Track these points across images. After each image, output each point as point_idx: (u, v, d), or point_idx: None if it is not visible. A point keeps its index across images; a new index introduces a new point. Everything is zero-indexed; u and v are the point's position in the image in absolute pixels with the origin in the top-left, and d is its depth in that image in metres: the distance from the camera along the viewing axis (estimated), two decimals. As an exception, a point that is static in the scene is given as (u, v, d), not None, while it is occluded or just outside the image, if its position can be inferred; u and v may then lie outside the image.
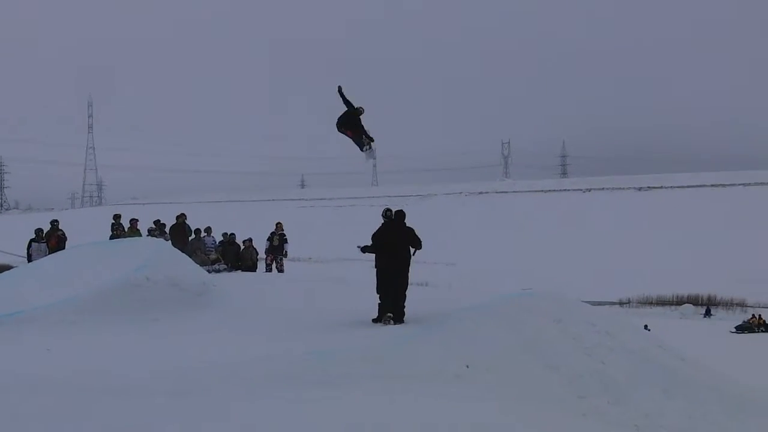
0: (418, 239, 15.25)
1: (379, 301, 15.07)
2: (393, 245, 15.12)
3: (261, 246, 26.10)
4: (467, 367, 12.04)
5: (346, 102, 16.73)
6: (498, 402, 10.70)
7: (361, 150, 17.27)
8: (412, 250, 15.26)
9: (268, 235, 26.33)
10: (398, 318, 14.83)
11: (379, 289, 15.13)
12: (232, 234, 25.84)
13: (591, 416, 11.43)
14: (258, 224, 35.25)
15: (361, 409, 9.41)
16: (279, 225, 26.59)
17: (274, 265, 26.14)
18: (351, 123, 16.89)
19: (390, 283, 15.02)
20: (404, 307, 14.97)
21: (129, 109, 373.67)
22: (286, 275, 25.71)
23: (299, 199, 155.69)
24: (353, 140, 17.12)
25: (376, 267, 15.37)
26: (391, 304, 14.87)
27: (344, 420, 8.86)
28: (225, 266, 24.09)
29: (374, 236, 15.47)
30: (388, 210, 15.68)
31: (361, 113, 16.86)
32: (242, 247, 25.71)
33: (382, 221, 15.52)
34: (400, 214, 15.50)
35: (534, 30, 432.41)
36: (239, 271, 24.18)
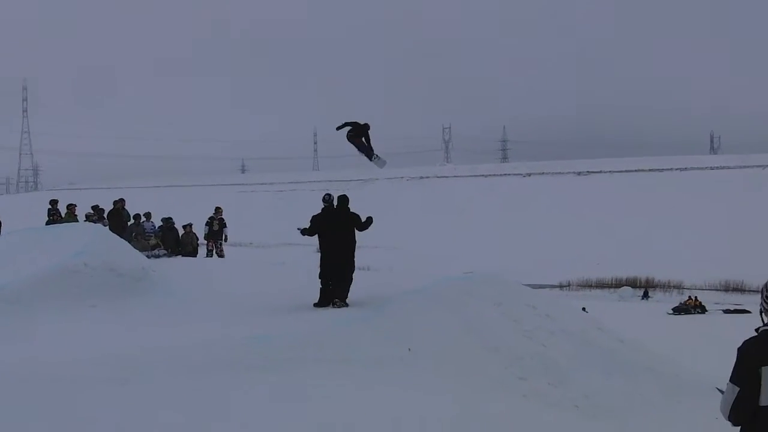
0: (364, 222, 15.20)
1: (321, 286, 15.04)
2: (334, 230, 15.07)
3: (201, 231, 25.86)
4: (409, 350, 12.06)
5: (353, 123, 18.00)
6: (440, 385, 10.74)
7: (371, 159, 18.51)
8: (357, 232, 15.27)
9: (207, 219, 26.07)
10: (342, 301, 14.81)
11: (322, 274, 15.10)
12: (169, 218, 25.54)
13: (532, 397, 11.53)
14: (198, 209, 34.90)
15: (304, 393, 9.38)
16: (218, 209, 26.37)
17: (214, 251, 25.92)
18: (361, 133, 18.07)
19: (333, 268, 15.01)
20: (348, 291, 14.98)
21: (66, 93, 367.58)
22: (226, 260, 25.52)
23: (240, 184, 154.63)
24: (361, 149, 18.28)
25: (319, 252, 15.36)
26: (337, 289, 14.88)
27: (288, 404, 8.83)
28: (165, 252, 23.81)
29: (314, 219, 15.42)
30: (328, 195, 15.62)
31: (368, 128, 18.00)
32: (182, 232, 25.44)
33: (323, 206, 15.47)
34: (344, 198, 15.45)
35: (475, 14, 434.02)
36: (179, 257, 23.92)
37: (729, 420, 5.11)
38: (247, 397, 9.05)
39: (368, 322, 13.24)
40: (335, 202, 15.33)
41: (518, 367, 12.66)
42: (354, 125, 17.79)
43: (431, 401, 9.79)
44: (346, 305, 14.70)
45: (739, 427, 5.13)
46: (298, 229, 15.65)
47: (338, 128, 18.04)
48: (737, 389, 4.98)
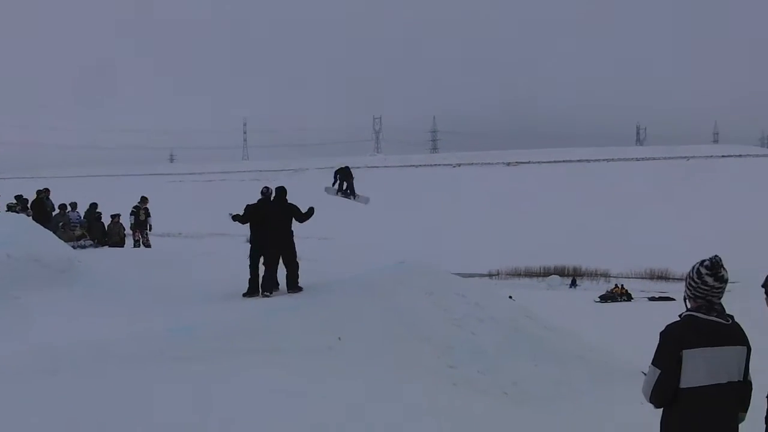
0: (304, 213, 15.34)
1: (250, 276, 14.99)
2: (272, 221, 15.05)
3: (127, 221, 25.50)
4: (339, 339, 12.04)
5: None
6: (370, 373, 10.74)
7: (354, 198, 22.52)
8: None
9: (132, 209, 25.68)
10: (295, 287, 15.00)
11: (252, 264, 15.07)
12: (94, 203, 25.11)
13: (462, 385, 11.59)
14: (126, 199, 34.35)
15: (230, 383, 9.30)
16: (144, 199, 26.02)
17: (141, 241, 25.60)
18: (347, 176, 22.62)
19: (272, 257, 15.10)
20: (298, 276, 15.14)
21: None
22: (154, 250, 25.23)
23: (168, 174, 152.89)
24: (346, 188, 22.26)
25: (250, 242, 15.32)
26: (267, 278, 15.00)
27: (215, 394, 8.75)
28: (91, 242, 23.47)
29: (248, 207, 15.41)
30: (266, 188, 15.66)
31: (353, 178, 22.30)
32: (109, 222, 25.08)
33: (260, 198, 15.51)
34: (282, 190, 15.46)
35: (404, 5, 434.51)
36: (106, 247, 23.58)
37: (651, 402, 5.22)
38: (174, 388, 8.94)
39: (298, 311, 13.20)
40: (273, 195, 15.33)
41: (448, 355, 12.72)
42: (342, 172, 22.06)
43: (361, 390, 9.78)
44: (300, 289, 14.98)
45: (661, 410, 5.24)
46: (230, 214, 15.61)
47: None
48: (658, 371, 5.09)
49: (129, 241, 25.97)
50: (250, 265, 15.10)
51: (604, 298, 47.46)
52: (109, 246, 23.93)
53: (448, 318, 14.14)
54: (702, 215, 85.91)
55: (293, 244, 15.26)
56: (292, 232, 15.34)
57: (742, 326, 5.24)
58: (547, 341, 14.73)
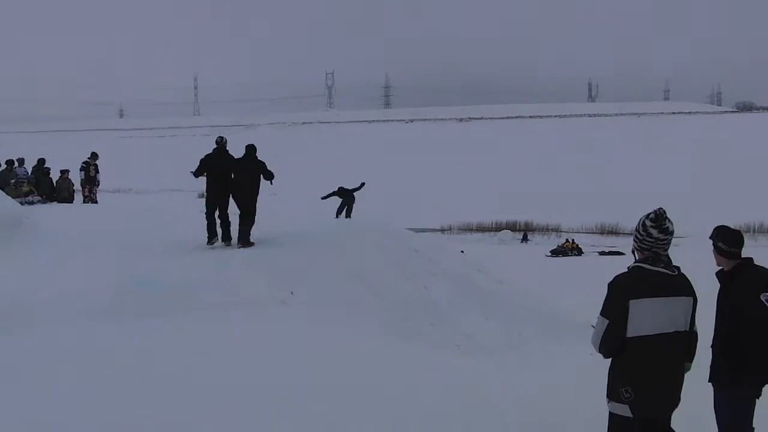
0: (270, 172, 15.40)
1: (207, 222, 15.07)
2: (238, 178, 15.26)
3: (76, 177, 25.10)
4: (292, 293, 12.05)
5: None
6: (322, 327, 10.78)
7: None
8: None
9: (82, 165, 25.26)
10: (247, 242, 14.96)
11: (208, 213, 15.11)
12: (42, 159, 24.73)
13: (414, 338, 11.67)
14: (75, 155, 33.86)
15: (188, 337, 9.31)
16: (94, 155, 25.62)
17: (91, 197, 25.25)
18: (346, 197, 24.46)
19: (222, 208, 15.24)
20: (250, 233, 15.16)
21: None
22: (105, 206, 24.94)
23: (118, 129, 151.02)
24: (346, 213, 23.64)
25: (207, 192, 15.37)
26: (240, 229, 15.09)
27: (170, 348, 8.74)
28: (39, 198, 23.14)
29: (202, 160, 15.39)
30: (220, 137, 15.77)
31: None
32: (58, 178, 24.71)
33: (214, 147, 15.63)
34: (252, 148, 15.64)
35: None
36: (55, 203, 23.26)
37: (600, 352, 5.33)
38: (129, 342, 8.92)
39: (250, 266, 13.18)
40: (227, 144, 15.56)
41: (401, 308, 12.80)
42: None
43: (314, 342, 9.82)
44: (252, 244, 14.91)
45: (609, 360, 5.34)
46: (191, 172, 15.59)
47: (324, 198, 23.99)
48: (606, 321, 5.20)
49: (78, 197, 25.58)
50: (206, 213, 15.15)
51: (555, 253, 47.88)
52: (58, 202, 23.61)
53: (400, 272, 14.21)
54: (652, 171, 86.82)
55: (256, 201, 15.31)
56: (258, 191, 15.39)
57: (690, 278, 5.34)
58: (499, 295, 14.88)
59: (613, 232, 62.24)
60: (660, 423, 5.32)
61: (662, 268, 5.19)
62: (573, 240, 51.76)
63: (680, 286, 5.24)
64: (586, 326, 14.37)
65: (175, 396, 7.42)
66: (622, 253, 43.30)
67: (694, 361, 5.53)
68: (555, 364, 11.44)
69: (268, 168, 15.43)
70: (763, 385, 5.99)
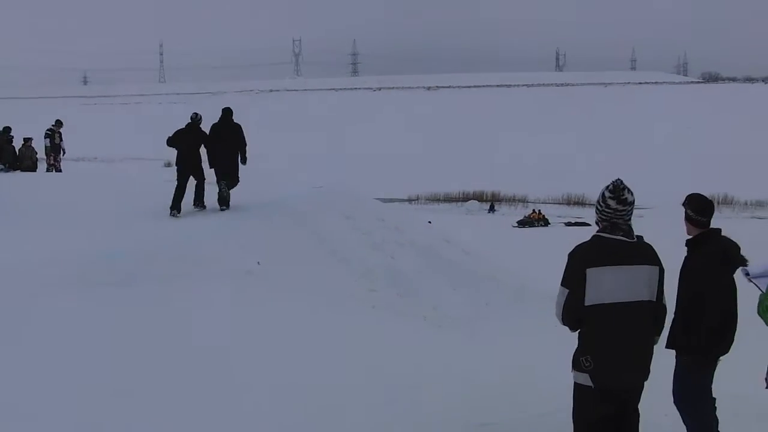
0: (244, 142, 15.54)
1: (175, 193, 15.02)
2: (196, 148, 15.39)
3: (40, 145, 24.74)
4: (258, 263, 11.99)
5: None
6: (289, 297, 10.74)
7: None
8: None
9: (46, 132, 24.86)
10: (226, 204, 15.31)
11: (179, 186, 15.23)
12: (7, 127, 24.33)
13: (381, 308, 11.68)
14: (38, 123, 33.39)
15: (152, 306, 9.24)
16: (59, 122, 25.27)
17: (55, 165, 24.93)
18: None
19: (197, 176, 15.48)
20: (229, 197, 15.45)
21: None
22: (70, 175, 24.68)
23: (82, 96, 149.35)
24: None
25: (177, 164, 15.58)
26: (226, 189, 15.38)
27: (137, 318, 8.69)
28: (2, 167, 22.85)
29: (175, 134, 15.63)
30: (195, 114, 15.86)
31: None
32: (20, 146, 24.35)
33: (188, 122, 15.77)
34: (228, 111, 15.78)
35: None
36: (18, 172, 22.96)
37: (563, 323, 5.34)
38: (93, 311, 8.85)
39: (217, 235, 13.10)
40: (201, 121, 15.73)
41: (368, 278, 12.80)
42: None
43: (280, 313, 9.79)
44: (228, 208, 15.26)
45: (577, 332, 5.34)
46: (166, 141, 15.82)
47: None
48: (566, 291, 5.22)
49: (42, 165, 25.25)
50: (177, 184, 15.29)
51: (522, 224, 48.10)
52: (21, 171, 23.31)
53: (367, 242, 14.19)
54: (619, 142, 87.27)
55: (237, 166, 15.46)
56: (238, 155, 15.46)
57: (656, 248, 5.33)
58: (466, 265, 14.90)
59: (579, 203, 62.58)
60: (625, 394, 5.30)
61: (621, 236, 5.18)
62: (540, 211, 52.00)
63: (641, 255, 5.22)
64: (551, 296, 14.45)
65: (142, 363, 7.40)
66: (588, 224, 43.59)
67: (662, 334, 5.51)
68: (523, 336, 11.47)
69: (243, 132, 15.53)
70: (720, 355, 6.01)
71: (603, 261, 5.10)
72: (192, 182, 15.55)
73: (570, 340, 5.44)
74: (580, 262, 5.14)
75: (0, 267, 10.43)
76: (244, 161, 15.50)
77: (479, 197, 66.64)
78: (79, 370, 7.21)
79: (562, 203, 64.47)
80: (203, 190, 15.64)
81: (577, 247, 5.28)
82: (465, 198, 67.02)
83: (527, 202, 64.61)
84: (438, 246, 15.40)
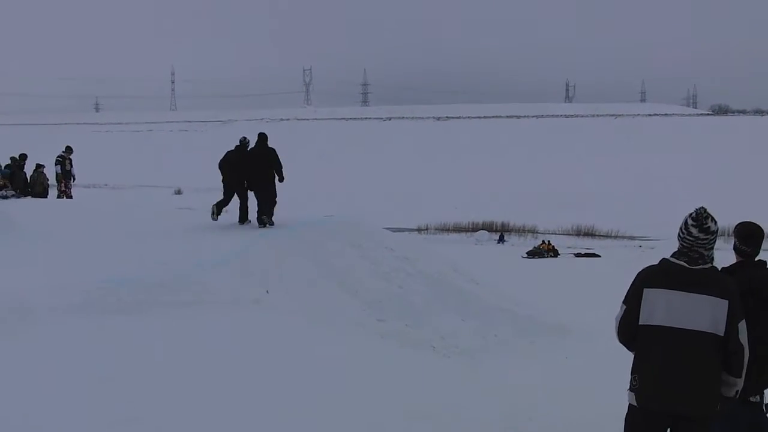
0: (279, 163, 16.29)
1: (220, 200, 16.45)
2: (245, 170, 16.18)
3: (51, 171, 24.84)
4: (267, 292, 11.96)
5: None
6: (297, 327, 10.71)
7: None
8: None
9: (57, 158, 24.98)
10: (268, 222, 16.00)
11: (225, 197, 16.43)
12: (23, 154, 24.42)
13: (390, 338, 11.63)
14: (49, 149, 33.55)
15: (159, 335, 9.22)
16: (69, 148, 25.38)
17: (66, 192, 25.01)
18: None
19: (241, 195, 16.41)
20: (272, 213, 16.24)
21: None
22: (79, 201, 24.72)
23: (94, 123, 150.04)
24: None
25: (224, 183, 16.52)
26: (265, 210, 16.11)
27: (143, 346, 8.66)
28: (13, 192, 22.91)
29: (226, 158, 16.45)
30: (243, 137, 16.82)
31: None
32: (32, 172, 24.44)
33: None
34: (263, 136, 16.45)
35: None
36: (29, 198, 23.02)
37: (619, 339, 5.45)
38: (100, 338, 8.83)
39: (225, 263, 13.06)
40: (249, 144, 16.68)
41: (377, 308, 12.75)
42: None
43: (289, 342, 9.76)
44: (272, 224, 15.97)
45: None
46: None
47: None
48: (625, 307, 5.36)
49: (52, 192, 25.32)
50: (224, 195, 16.48)
51: (531, 254, 47.86)
52: (32, 197, 23.37)
53: (376, 271, 14.15)
54: (628, 173, 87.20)
55: (274, 186, 16.19)
56: (273, 177, 16.23)
57: None
58: (475, 296, 14.84)
59: (589, 234, 62.38)
60: (672, 420, 5.17)
61: (684, 262, 5.20)
62: (549, 241, 51.80)
63: (705, 284, 5.14)
64: (560, 328, 14.39)
65: (151, 391, 7.37)
66: (598, 255, 43.48)
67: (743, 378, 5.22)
68: (531, 367, 11.40)
69: (278, 155, 16.30)
70: (749, 396, 5.61)
71: (660, 283, 5.18)
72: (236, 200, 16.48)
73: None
74: (640, 281, 5.29)
75: (7, 292, 10.43)
76: (281, 179, 16.30)
77: (489, 227, 66.51)
78: (84, 396, 7.18)
79: (572, 234, 64.24)
80: (247, 209, 16.49)
81: (644, 268, 5.38)
82: (474, 228, 66.88)
83: (537, 232, 64.41)
84: (447, 276, 15.35)
